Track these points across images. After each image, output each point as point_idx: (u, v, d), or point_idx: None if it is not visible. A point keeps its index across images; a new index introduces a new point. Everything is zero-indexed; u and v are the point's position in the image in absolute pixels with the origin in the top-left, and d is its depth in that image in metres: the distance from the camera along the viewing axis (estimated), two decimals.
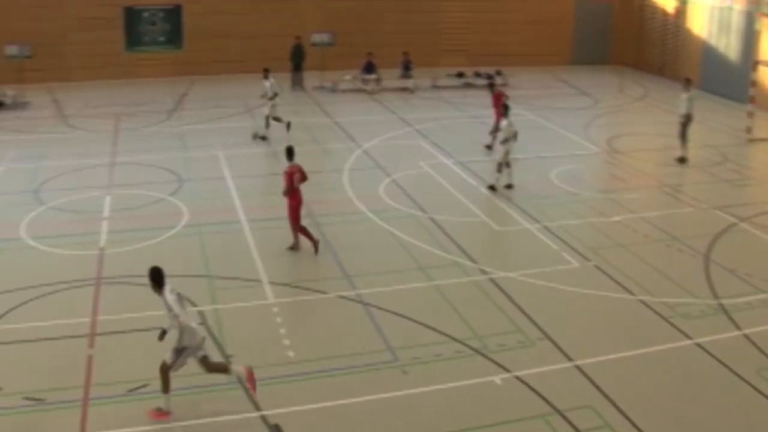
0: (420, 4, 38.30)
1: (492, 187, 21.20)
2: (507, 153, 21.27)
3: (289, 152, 17.28)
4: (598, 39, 40.99)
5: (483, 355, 13.34)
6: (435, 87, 34.33)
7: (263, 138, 25.47)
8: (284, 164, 17.35)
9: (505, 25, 39.46)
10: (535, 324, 14.34)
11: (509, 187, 21.32)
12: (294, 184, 16.94)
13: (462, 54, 38.82)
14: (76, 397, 11.99)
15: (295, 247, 17.33)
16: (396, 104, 30.80)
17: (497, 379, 12.68)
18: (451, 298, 15.28)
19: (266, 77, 25.86)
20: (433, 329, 14.09)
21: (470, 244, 17.76)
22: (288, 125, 25.61)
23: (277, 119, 25.76)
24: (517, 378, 12.67)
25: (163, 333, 11.79)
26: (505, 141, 21.27)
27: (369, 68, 33.55)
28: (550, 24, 40.19)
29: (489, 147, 24.78)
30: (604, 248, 17.79)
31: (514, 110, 30.29)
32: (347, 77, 33.63)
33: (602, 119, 30.12)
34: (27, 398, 11.94)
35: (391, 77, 33.72)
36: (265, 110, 25.87)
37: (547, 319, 14.48)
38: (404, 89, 33.49)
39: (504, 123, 21.64)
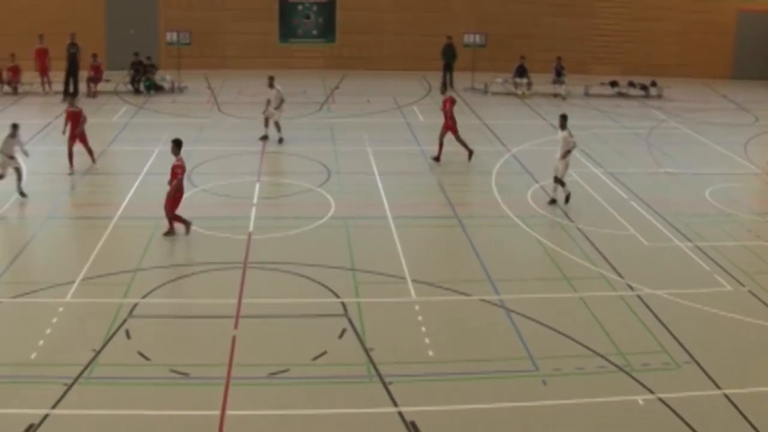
0: (574, 9, 37.64)
1: (553, 201, 20.32)
2: (567, 167, 20.20)
3: (177, 145, 17.64)
4: (763, 52, 39.11)
5: (626, 373, 12.91)
6: (587, 95, 33.64)
7: (280, 140, 25.12)
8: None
9: (662, 35, 38.29)
10: (682, 346, 13.78)
11: (553, 202, 20.35)
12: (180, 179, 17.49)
13: (616, 62, 37.93)
14: (218, 374, 12.26)
15: (169, 233, 17.57)
16: (546, 109, 30.34)
17: (640, 399, 12.24)
18: (595, 311, 14.88)
19: (272, 85, 25.24)
20: (576, 341, 13.75)
21: (618, 257, 17.25)
22: (264, 137, 25.23)
23: (277, 126, 25.23)
24: (661, 400, 12.19)
25: None
26: (567, 154, 20.14)
27: (521, 71, 33.16)
28: (711, 35, 38.70)
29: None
30: (761, 274, 16.94)
31: (668, 123, 29.58)
32: (498, 80, 33.38)
33: (764, 138, 28.75)
34: (173, 371, 12.31)
35: (542, 82, 33.24)
36: (275, 116, 25.33)
37: (695, 341, 13.88)
38: (556, 95, 32.98)
39: (563, 134, 20.35)
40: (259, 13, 36.51)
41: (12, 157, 19.58)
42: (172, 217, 17.52)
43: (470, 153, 23.58)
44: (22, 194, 19.57)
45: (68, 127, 21.93)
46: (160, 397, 11.75)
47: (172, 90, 32.38)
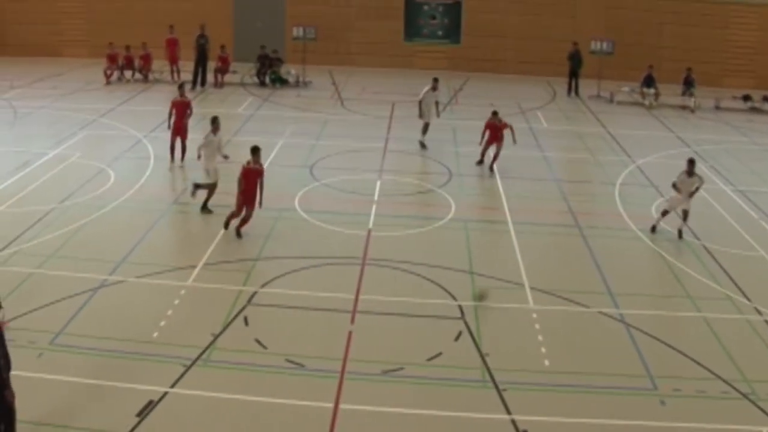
0: (705, 18, 36.43)
1: (653, 229, 18.75)
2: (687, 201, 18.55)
3: (254, 151, 17.22)
4: None
5: (751, 401, 12.41)
6: (717, 108, 32.53)
7: None
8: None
9: None
10: None
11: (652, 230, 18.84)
12: None
13: (749, 75, 36.56)
14: (334, 368, 12.41)
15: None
16: (674, 122, 29.53)
17: (765, 430, 11.77)
18: (719, 334, 14.37)
19: (435, 87, 24.58)
20: (698, 363, 13.31)
21: (746, 279, 16.61)
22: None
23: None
24: None
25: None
26: (695, 192, 18.60)
27: (649, 81, 32.35)
28: None
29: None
30: None
31: None
32: (625, 89, 32.66)
33: None
34: (289, 360, 12.52)
35: (670, 93, 32.36)
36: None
37: None
38: (684, 107, 32.02)
39: (691, 180, 18.49)
40: (385, 12, 36.75)
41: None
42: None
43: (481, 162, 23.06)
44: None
45: (173, 119, 21.60)
46: (275, 385, 11.96)
47: (296, 84, 32.93)
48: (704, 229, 19.24)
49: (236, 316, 13.87)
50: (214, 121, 18.96)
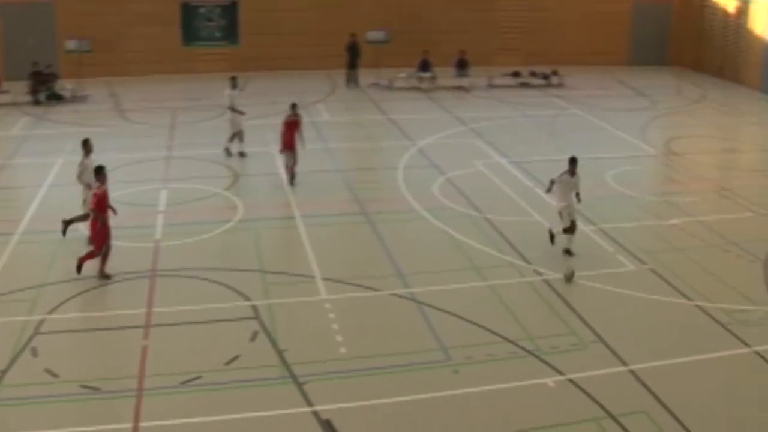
0: (476, 2, 38.08)
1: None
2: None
3: (98, 171, 16.18)
4: (657, 39, 40.34)
5: (536, 356, 13.22)
6: (490, 86, 34.10)
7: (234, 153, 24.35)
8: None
9: (561, 24, 39.04)
10: (589, 327, 14.17)
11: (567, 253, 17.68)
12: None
13: (518, 53, 38.50)
14: (130, 387, 12.12)
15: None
16: (451, 103, 30.68)
17: (550, 381, 12.55)
18: (504, 298, 15.17)
19: (234, 86, 24.28)
20: (486, 329, 14.00)
21: (525, 244, 17.60)
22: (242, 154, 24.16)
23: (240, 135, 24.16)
24: (570, 381, 12.53)
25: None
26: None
27: (425, 66, 33.44)
28: (608, 24, 39.64)
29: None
30: (661, 252, 17.52)
31: (570, 110, 30.24)
32: (403, 75, 33.57)
33: (660, 121, 29.66)
34: (83, 386, 12.10)
35: (446, 75, 33.58)
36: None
37: (601, 322, 14.30)
38: (460, 88, 33.34)
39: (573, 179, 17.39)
40: (161, 17, 35.94)
41: None
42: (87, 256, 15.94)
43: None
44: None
45: None
46: (70, 414, 11.56)
47: (73, 99, 31.64)
48: (484, 201, 20.18)
49: (23, 348, 13.23)
50: (86, 144, 18.12)
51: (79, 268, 15.82)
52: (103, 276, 15.75)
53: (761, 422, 11.79)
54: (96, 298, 15.07)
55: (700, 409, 11.90)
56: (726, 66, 37.54)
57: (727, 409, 12.01)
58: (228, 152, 23.92)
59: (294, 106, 22.14)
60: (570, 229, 17.23)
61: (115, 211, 16.42)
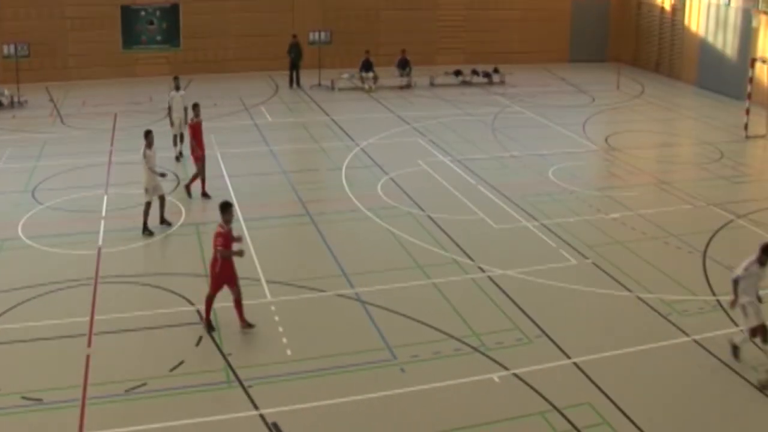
0: (417, 2, 38.25)
1: None
2: None
3: (223, 208, 14.12)
4: (596, 36, 40.97)
5: (481, 353, 13.35)
6: (432, 85, 34.30)
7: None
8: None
9: (502, 22, 39.43)
10: (533, 321, 14.35)
11: None
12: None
13: (459, 52, 38.81)
14: (74, 396, 11.98)
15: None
16: (394, 102, 30.77)
17: (495, 377, 12.69)
18: (449, 296, 15.29)
19: (178, 87, 24.09)
20: (432, 327, 14.10)
21: (468, 242, 17.76)
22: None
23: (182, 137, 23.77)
24: (516, 375, 12.69)
25: None
26: None
27: (367, 66, 33.48)
28: (548, 22, 40.16)
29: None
30: (602, 245, 17.81)
31: (512, 107, 30.52)
32: (345, 75, 33.58)
33: (600, 116, 30.13)
34: (25, 398, 11.93)
35: (388, 75, 33.70)
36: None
37: (544, 316, 14.48)
38: (402, 87, 33.48)
39: None
40: (101, 21, 35.46)
41: None
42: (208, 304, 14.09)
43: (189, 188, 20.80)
44: None
45: None
46: (12, 427, 11.37)
47: (11, 105, 31.08)
48: (427, 199, 20.31)
49: None
50: (148, 135, 18.36)
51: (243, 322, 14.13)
52: (247, 326, 14.06)
53: (700, 409, 12.06)
54: (36, 307, 14.80)
55: (642, 399, 12.14)
56: (663, 62, 38.30)
57: (668, 397, 12.25)
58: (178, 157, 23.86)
59: (195, 107, 21.25)
60: (761, 331, 12.91)
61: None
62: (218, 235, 13.81)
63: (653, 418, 11.67)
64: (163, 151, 22.03)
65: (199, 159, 20.53)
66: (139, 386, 12.22)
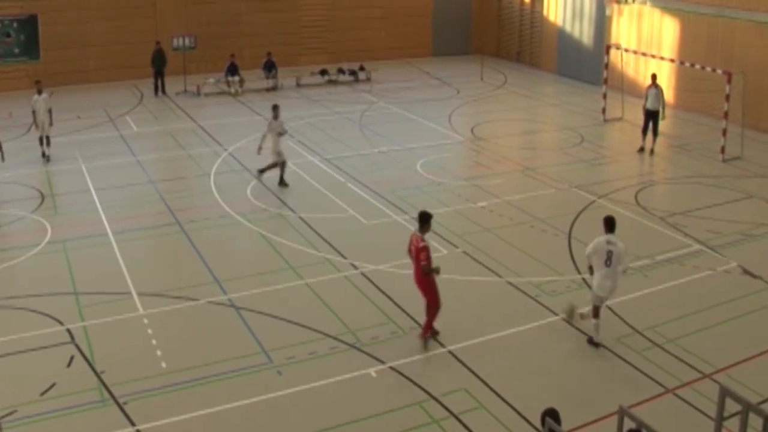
0: (278, 4, 38.11)
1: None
2: None
3: (424, 220, 13.68)
4: (458, 29, 41.79)
5: (357, 348, 13.50)
6: (299, 86, 34.31)
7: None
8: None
9: (364, 21, 39.71)
10: (407, 314, 14.59)
11: None
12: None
13: (323, 52, 38.89)
14: None
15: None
16: (261, 105, 30.58)
17: (372, 371, 12.86)
18: (323, 295, 15.37)
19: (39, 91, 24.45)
20: (307, 327, 14.16)
21: (340, 240, 17.89)
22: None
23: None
24: (392, 368, 12.90)
25: None
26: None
27: (232, 70, 33.19)
28: (410, 17, 40.67)
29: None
30: (472, 234, 18.24)
31: (378, 104, 30.84)
32: (210, 80, 33.18)
33: (465, 108, 30.76)
34: None
35: (255, 78, 33.51)
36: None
37: (418, 308, 14.65)
38: (268, 89, 33.34)
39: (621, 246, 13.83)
40: None
41: None
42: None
43: None
44: None
45: None
46: None
47: None
48: (298, 200, 20.36)
49: None
50: (275, 108, 21.78)
51: (428, 336, 13.82)
52: (433, 335, 13.90)
53: (572, 387, 12.54)
54: None
55: (516, 380, 12.56)
56: (523, 52, 39.42)
57: (540, 377, 12.70)
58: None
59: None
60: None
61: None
62: (423, 249, 13.35)
63: (526, 396, 12.06)
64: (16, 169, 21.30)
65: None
66: (8, 414, 11.81)
